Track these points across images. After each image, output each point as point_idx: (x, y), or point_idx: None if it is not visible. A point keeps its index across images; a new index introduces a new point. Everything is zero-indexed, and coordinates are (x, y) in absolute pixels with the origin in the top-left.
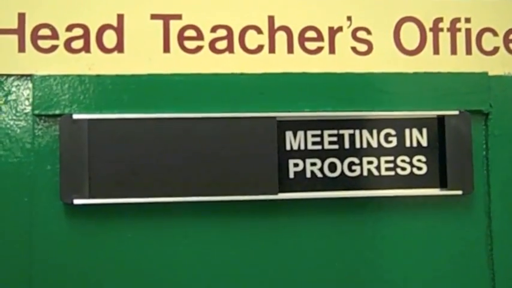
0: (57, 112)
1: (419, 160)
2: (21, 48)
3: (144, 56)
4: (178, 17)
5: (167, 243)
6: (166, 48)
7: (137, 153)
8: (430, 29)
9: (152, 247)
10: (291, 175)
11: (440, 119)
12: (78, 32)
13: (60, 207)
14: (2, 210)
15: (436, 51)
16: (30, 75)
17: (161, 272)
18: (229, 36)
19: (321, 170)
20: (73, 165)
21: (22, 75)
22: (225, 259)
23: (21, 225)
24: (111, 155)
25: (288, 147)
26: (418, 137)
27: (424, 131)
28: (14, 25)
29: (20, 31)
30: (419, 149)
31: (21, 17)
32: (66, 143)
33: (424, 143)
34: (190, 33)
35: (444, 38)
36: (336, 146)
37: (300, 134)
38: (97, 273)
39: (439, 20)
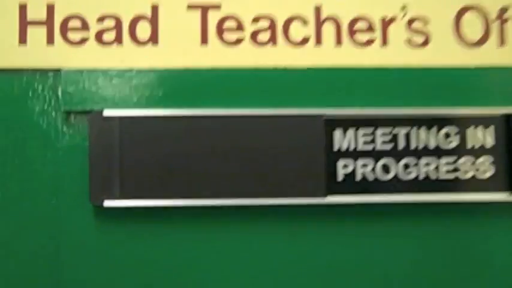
0: (87, 108)
1: (483, 162)
2: (50, 41)
3: (180, 49)
4: (217, 7)
5: (204, 248)
6: (204, 41)
7: (172, 152)
8: (495, 19)
9: (188, 252)
10: (340, 178)
11: (508, 116)
12: (110, 23)
13: (89, 209)
14: (29, 212)
15: (502, 42)
16: (59, 69)
17: (198, 278)
18: (272, 28)
19: (373, 172)
20: (103, 165)
21: (50, 69)
22: (267, 266)
23: (49, 227)
24: (144, 155)
25: (336, 148)
26: (483, 136)
27: (489, 130)
28: (43, 16)
29: (48, 23)
30: (483, 150)
31: (50, 8)
32: (96, 142)
33: (489, 143)
34: (230, 24)
35: (510, 28)
36: (389, 146)
37: (350, 132)
38: (129, 280)
39: (505, 9)
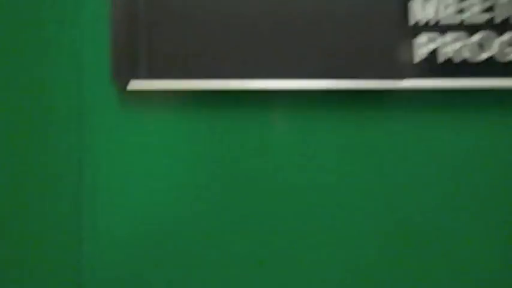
0: None
1: None
2: None
3: None
4: None
5: (246, 138)
6: None
7: (213, 27)
8: None
9: (226, 142)
10: (417, 59)
11: None
12: None
13: (113, 91)
14: (50, 92)
15: None
16: None
17: (238, 173)
18: None
19: (460, 52)
20: (128, 41)
21: None
22: (327, 159)
23: (71, 110)
24: (176, 29)
25: (413, 21)
26: None
27: None
28: None
29: None
30: None
31: None
32: (118, 14)
33: None
34: None
35: None
36: (483, 18)
37: (431, 1)
38: (158, 168)
39: None
